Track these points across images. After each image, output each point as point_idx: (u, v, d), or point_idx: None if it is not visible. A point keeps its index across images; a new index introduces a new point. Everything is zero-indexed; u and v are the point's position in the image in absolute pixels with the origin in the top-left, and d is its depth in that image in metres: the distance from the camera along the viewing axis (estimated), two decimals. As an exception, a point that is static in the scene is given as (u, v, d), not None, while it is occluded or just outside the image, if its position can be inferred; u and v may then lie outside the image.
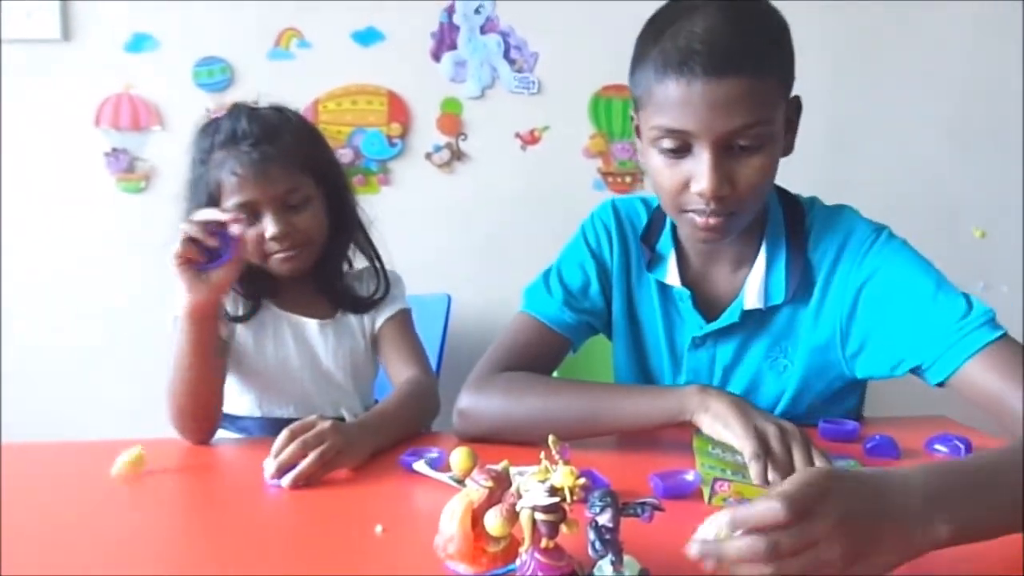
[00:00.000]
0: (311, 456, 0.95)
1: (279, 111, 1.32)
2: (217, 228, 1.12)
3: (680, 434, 0.98)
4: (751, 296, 1.11)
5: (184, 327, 1.14)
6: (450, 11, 2.03)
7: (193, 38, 1.99)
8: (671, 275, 1.16)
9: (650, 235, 1.19)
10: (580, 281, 1.20)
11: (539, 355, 1.16)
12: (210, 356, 1.17)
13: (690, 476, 0.90)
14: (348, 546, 0.79)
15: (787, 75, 1.02)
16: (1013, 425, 0.93)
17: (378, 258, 1.40)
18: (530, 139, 2.07)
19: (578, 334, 1.19)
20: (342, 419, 1.29)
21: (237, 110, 1.28)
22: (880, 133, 2.09)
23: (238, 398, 1.32)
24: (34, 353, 2.01)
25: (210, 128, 1.29)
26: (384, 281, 1.39)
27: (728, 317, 1.12)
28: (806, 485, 0.63)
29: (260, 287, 1.32)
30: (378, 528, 0.80)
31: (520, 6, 2.02)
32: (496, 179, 2.06)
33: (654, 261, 1.17)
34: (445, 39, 2.03)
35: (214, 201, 1.26)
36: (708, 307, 1.15)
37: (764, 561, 0.61)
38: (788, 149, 1.06)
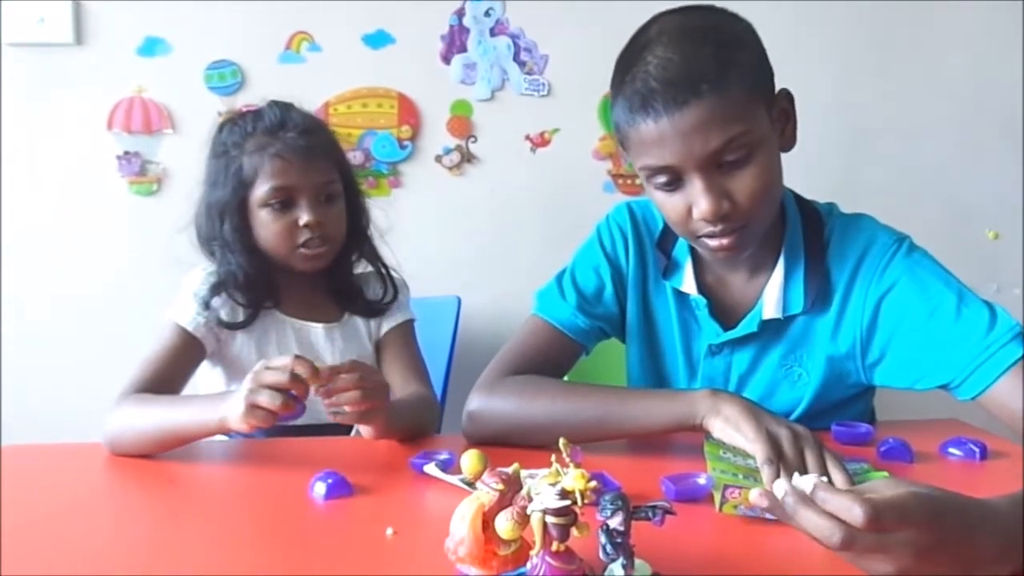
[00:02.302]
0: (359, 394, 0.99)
1: (312, 113, 1.37)
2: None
3: (692, 437, 0.98)
4: (770, 306, 1.10)
5: (208, 429, 1.03)
6: (460, 14, 2.03)
7: (204, 42, 2.00)
8: (687, 283, 1.15)
9: (666, 241, 1.18)
10: (594, 285, 1.19)
11: (550, 359, 1.15)
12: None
13: (702, 480, 0.89)
14: (359, 549, 0.79)
15: (757, 78, 1.00)
16: None
17: (384, 264, 1.41)
18: (540, 141, 2.06)
19: (590, 339, 1.19)
20: (349, 426, 1.29)
21: (280, 104, 1.32)
22: (892, 135, 2.08)
23: None
24: (42, 355, 2.02)
25: (247, 117, 1.31)
26: (392, 285, 1.40)
27: (747, 326, 1.12)
28: (896, 506, 0.62)
29: (262, 294, 1.31)
30: (389, 531, 0.80)
31: (530, 8, 2.02)
32: (506, 181, 2.06)
33: (670, 268, 1.17)
34: (455, 41, 2.04)
35: (244, 186, 1.27)
36: (725, 315, 1.14)
37: (833, 548, 0.61)
38: (790, 143, 1.05)
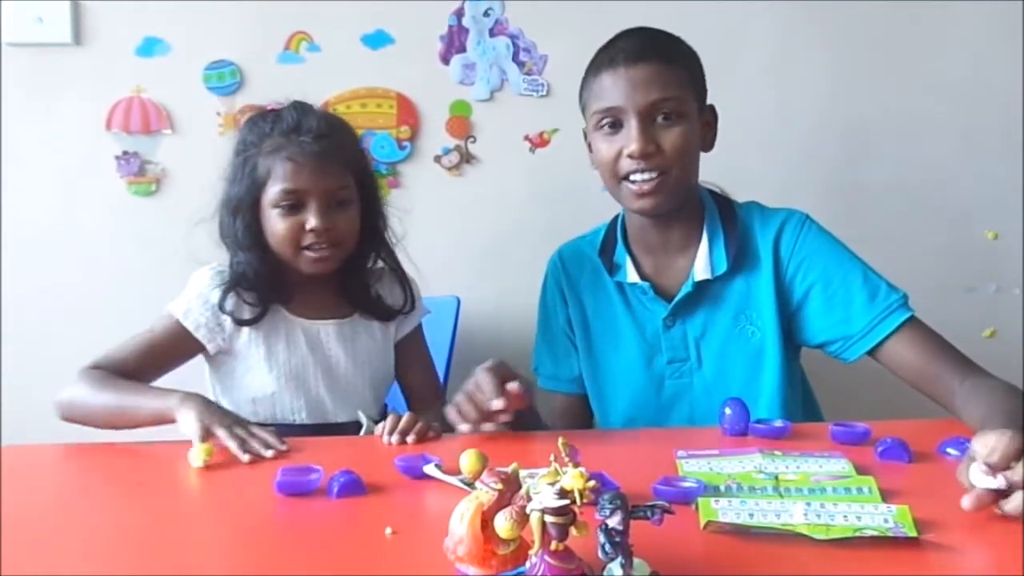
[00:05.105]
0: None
1: (334, 115, 1.39)
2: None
3: (690, 441, 0.98)
4: (700, 270, 1.30)
5: (156, 419, 1.19)
6: (459, 14, 2.03)
7: (203, 42, 2.00)
8: (631, 275, 1.34)
9: (606, 249, 1.39)
10: (564, 341, 1.42)
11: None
12: None
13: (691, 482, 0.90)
14: (358, 548, 0.79)
15: (696, 78, 1.29)
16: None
17: (401, 268, 1.42)
18: (539, 141, 2.06)
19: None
20: (359, 424, 1.30)
21: (300, 106, 1.33)
22: (892, 135, 2.07)
23: (250, 405, 1.32)
24: (41, 356, 2.01)
25: (268, 116, 1.32)
26: (410, 293, 1.42)
27: (684, 290, 1.30)
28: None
29: (271, 292, 1.32)
30: (388, 530, 0.80)
31: (529, 9, 2.02)
32: (505, 181, 2.05)
33: (614, 268, 1.36)
34: (454, 42, 2.03)
35: (257, 186, 1.28)
36: (666, 295, 1.33)
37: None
38: (709, 146, 1.32)
